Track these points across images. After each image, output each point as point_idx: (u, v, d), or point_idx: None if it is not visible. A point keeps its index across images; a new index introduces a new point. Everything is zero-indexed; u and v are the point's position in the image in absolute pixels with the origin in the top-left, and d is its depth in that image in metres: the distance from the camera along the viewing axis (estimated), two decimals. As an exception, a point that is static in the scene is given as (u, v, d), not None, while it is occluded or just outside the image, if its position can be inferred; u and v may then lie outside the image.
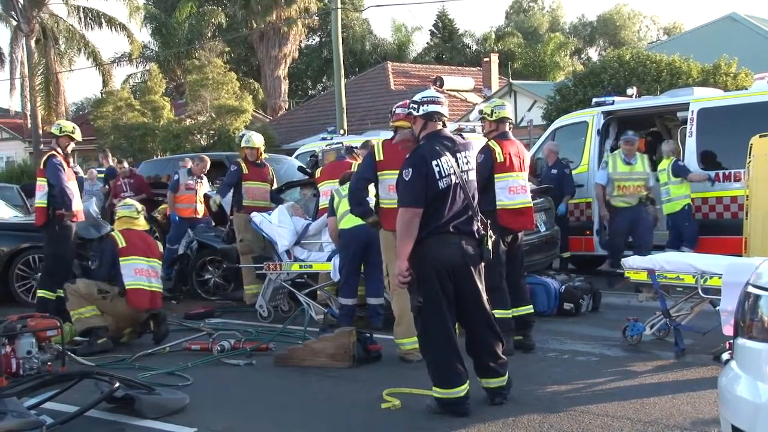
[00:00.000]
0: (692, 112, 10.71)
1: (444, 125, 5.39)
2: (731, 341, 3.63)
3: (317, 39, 47.89)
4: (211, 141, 26.43)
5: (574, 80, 20.36)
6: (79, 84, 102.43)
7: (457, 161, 5.19)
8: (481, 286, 5.30)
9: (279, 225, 9.08)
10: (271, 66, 36.20)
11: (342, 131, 17.16)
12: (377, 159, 7.05)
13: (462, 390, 5.16)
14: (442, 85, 29.65)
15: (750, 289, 3.46)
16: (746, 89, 12.77)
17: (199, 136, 26.85)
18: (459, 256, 5.15)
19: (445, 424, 5.06)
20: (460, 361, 5.19)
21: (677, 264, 6.95)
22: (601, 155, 11.96)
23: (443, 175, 5.10)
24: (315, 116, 31.11)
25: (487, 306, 5.36)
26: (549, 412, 5.19)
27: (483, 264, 5.32)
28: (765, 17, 28.14)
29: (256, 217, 9.34)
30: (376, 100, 30.03)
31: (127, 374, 6.24)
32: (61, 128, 9.02)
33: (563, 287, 9.06)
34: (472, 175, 5.32)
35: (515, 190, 7.05)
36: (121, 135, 26.87)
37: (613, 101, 12.18)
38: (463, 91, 31.23)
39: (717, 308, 6.52)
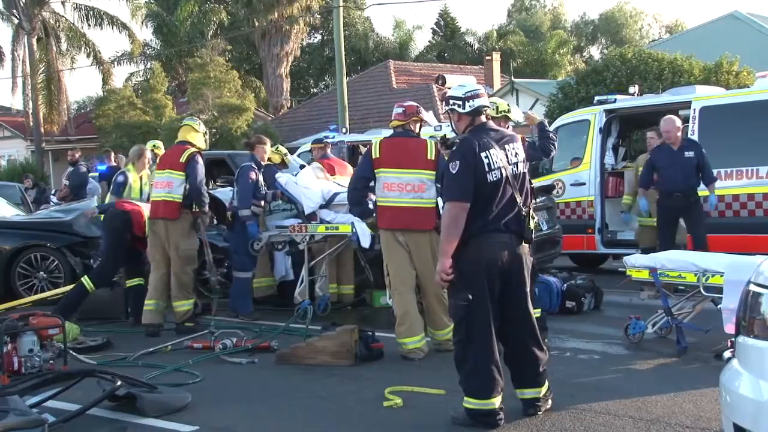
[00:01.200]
0: (694, 110, 10.70)
1: (488, 117, 5.21)
2: (733, 339, 3.64)
3: (319, 37, 47.92)
4: (213, 139, 26.45)
5: (576, 78, 20.39)
6: (81, 82, 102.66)
7: (506, 154, 4.96)
8: (528, 290, 5.08)
9: (305, 186, 8.91)
10: (273, 64, 36.21)
11: (344, 129, 17.17)
12: (374, 156, 7.02)
13: (497, 401, 4.90)
14: (444, 84, 29.39)
15: (751, 287, 3.46)
16: (748, 87, 12.75)
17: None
18: (510, 256, 4.91)
19: (446, 422, 5.05)
20: (499, 370, 4.92)
21: (679, 262, 6.95)
22: (603, 153, 11.97)
23: (493, 167, 4.86)
24: (317, 114, 31.10)
25: (533, 311, 5.12)
26: (551, 410, 5.19)
27: (531, 267, 5.09)
28: (767, 15, 28.10)
29: (281, 177, 9.25)
30: (378, 98, 30.01)
31: (130, 372, 6.25)
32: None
33: (565, 285, 9.07)
34: (522, 168, 5.06)
35: None
36: (123, 133, 26.93)
37: (615, 99, 12.17)
38: (465, 89, 31.19)
39: (719, 306, 6.52)
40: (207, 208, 8.54)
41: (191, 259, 8.51)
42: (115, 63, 35.46)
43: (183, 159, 8.48)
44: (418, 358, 6.88)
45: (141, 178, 9.77)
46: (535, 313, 7.03)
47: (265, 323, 8.68)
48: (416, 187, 6.96)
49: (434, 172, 6.96)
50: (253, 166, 9.20)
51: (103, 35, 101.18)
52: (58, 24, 32.75)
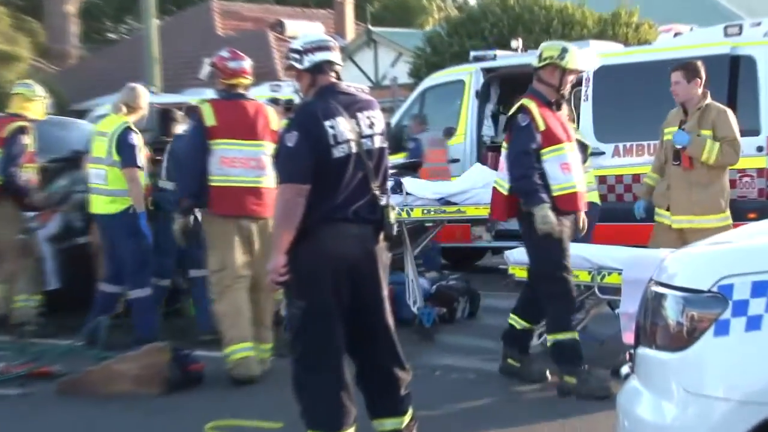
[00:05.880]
0: (588, 70, 11.12)
1: (338, 77, 5.17)
2: (632, 351, 3.79)
3: (119, -35, 46.54)
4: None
5: (447, 28, 20.76)
6: None
7: (358, 123, 4.95)
8: (386, 294, 5.09)
9: None
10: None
11: (154, 88, 16.79)
12: (207, 124, 7.01)
13: None
14: (283, 32, 29.52)
15: (653, 287, 3.57)
16: (650, 44, 13.39)
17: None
18: (362, 252, 4.92)
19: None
20: (350, 395, 4.91)
21: (570, 257, 7.20)
22: (480, 122, 12.24)
23: (339, 140, 4.83)
24: (117, 68, 30.19)
25: (392, 321, 5.13)
26: (415, 444, 5.26)
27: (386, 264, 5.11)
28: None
29: None
30: (200, 48, 29.45)
31: None
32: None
33: (434, 288, 9.23)
34: (378, 142, 5.04)
35: None
36: None
37: (495, 56, 12.49)
38: (310, 39, 31.19)
39: (616, 311, 6.81)
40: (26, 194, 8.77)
41: (17, 251, 8.79)
42: None
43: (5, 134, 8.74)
44: (251, 375, 6.85)
45: None
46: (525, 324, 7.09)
47: (43, 342, 8.40)
48: (260, 163, 7.07)
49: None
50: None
51: None
52: None
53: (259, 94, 12.54)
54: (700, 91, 7.50)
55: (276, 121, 7.28)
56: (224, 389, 6.77)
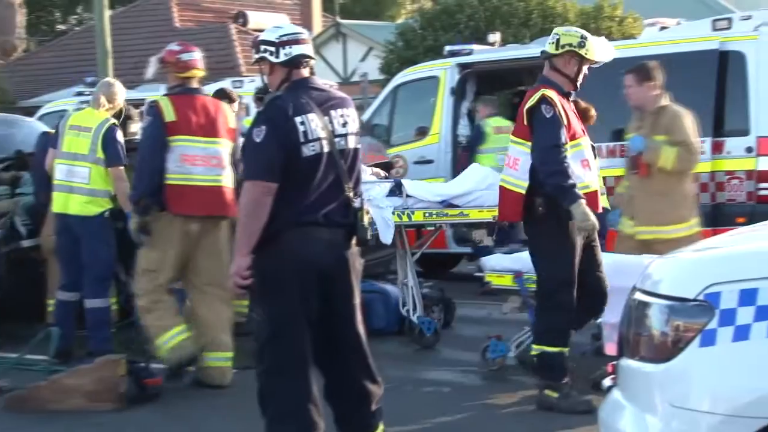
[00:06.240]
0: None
1: (312, 72, 5.21)
2: (614, 363, 3.83)
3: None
4: None
5: (421, 21, 20.79)
6: None
7: (331, 121, 4.98)
8: (358, 302, 5.08)
9: None
10: (0, -12, 34.64)
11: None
12: (167, 120, 7.06)
13: None
14: (245, 24, 29.46)
15: (637, 295, 3.62)
16: (635, 38, 13.48)
17: None
18: (334, 258, 4.92)
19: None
20: (318, 409, 4.92)
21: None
22: (456, 121, 12.27)
23: (310, 138, 4.86)
24: (67, 62, 30.08)
25: (362, 330, 5.12)
26: (386, 462, 5.29)
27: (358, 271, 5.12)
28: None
29: None
30: (156, 41, 29.26)
31: None
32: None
33: (407, 296, 9.26)
34: (351, 142, 5.07)
35: None
36: None
37: (472, 51, 12.53)
38: (274, 31, 31.15)
39: (598, 321, 6.87)
40: None
41: None
42: None
43: None
44: (189, 355, 7.02)
45: None
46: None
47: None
48: (221, 161, 7.19)
49: (234, 144, 7.29)
50: None
51: None
52: None
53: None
54: (655, 93, 7.52)
55: (233, 118, 7.44)
56: (184, 404, 6.77)
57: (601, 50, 6.57)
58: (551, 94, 6.37)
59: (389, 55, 20.84)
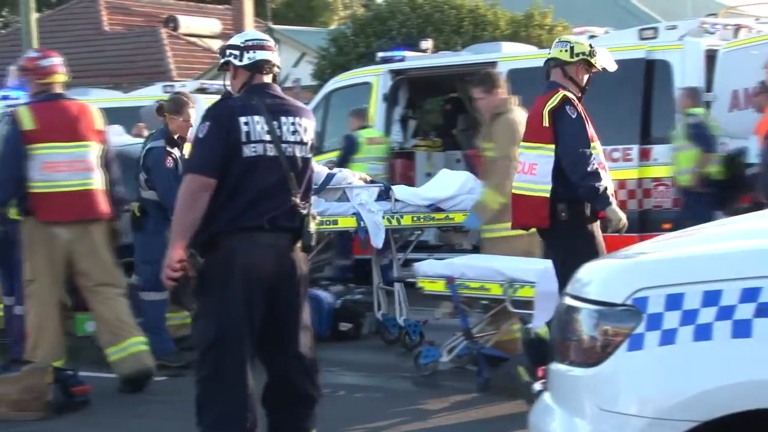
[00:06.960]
0: (500, 73, 11.28)
1: (275, 79, 5.29)
2: (545, 367, 3.87)
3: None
4: None
5: (353, 27, 20.85)
6: None
7: (280, 126, 5.00)
8: (304, 308, 5.11)
9: None
10: None
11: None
12: (25, 128, 7.09)
13: None
14: (176, 28, 29.24)
15: (566, 300, 3.65)
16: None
17: None
18: (278, 264, 4.92)
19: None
20: (255, 419, 4.93)
21: (481, 270, 7.31)
22: (388, 127, 12.31)
23: (252, 139, 4.89)
24: (-8, 64, 29.61)
25: (308, 336, 5.12)
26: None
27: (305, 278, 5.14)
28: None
29: None
30: (84, 45, 29.03)
31: None
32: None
33: (339, 302, 9.27)
34: (301, 151, 5.09)
35: None
36: None
37: (404, 57, 12.59)
38: (205, 37, 30.95)
39: (529, 326, 6.93)
40: None
41: None
42: None
43: None
44: (145, 369, 7.05)
45: None
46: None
47: None
48: (88, 164, 7.23)
49: (104, 146, 7.37)
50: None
51: None
52: None
53: (152, 95, 12.47)
54: (503, 98, 7.68)
55: (101, 120, 7.44)
56: (114, 413, 6.70)
57: (607, 59, 6.64)
58: (571, 95, 6.37)
59: (321, 61, 20.86)
